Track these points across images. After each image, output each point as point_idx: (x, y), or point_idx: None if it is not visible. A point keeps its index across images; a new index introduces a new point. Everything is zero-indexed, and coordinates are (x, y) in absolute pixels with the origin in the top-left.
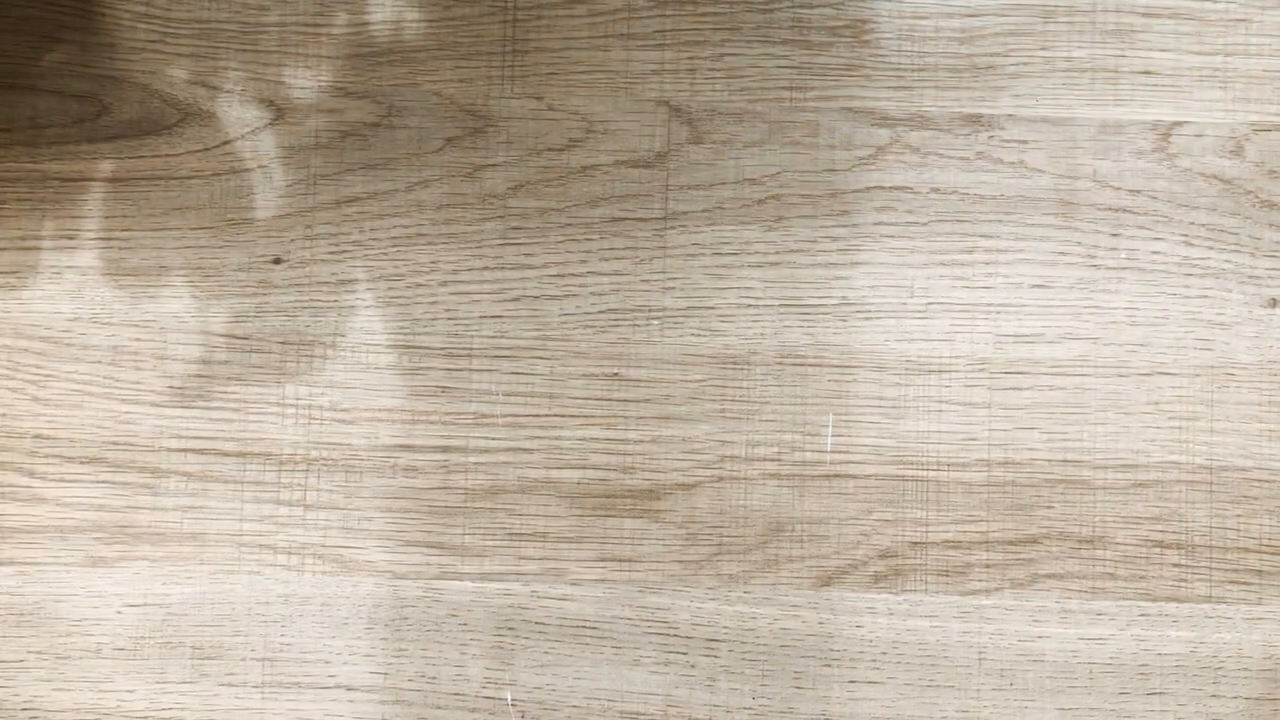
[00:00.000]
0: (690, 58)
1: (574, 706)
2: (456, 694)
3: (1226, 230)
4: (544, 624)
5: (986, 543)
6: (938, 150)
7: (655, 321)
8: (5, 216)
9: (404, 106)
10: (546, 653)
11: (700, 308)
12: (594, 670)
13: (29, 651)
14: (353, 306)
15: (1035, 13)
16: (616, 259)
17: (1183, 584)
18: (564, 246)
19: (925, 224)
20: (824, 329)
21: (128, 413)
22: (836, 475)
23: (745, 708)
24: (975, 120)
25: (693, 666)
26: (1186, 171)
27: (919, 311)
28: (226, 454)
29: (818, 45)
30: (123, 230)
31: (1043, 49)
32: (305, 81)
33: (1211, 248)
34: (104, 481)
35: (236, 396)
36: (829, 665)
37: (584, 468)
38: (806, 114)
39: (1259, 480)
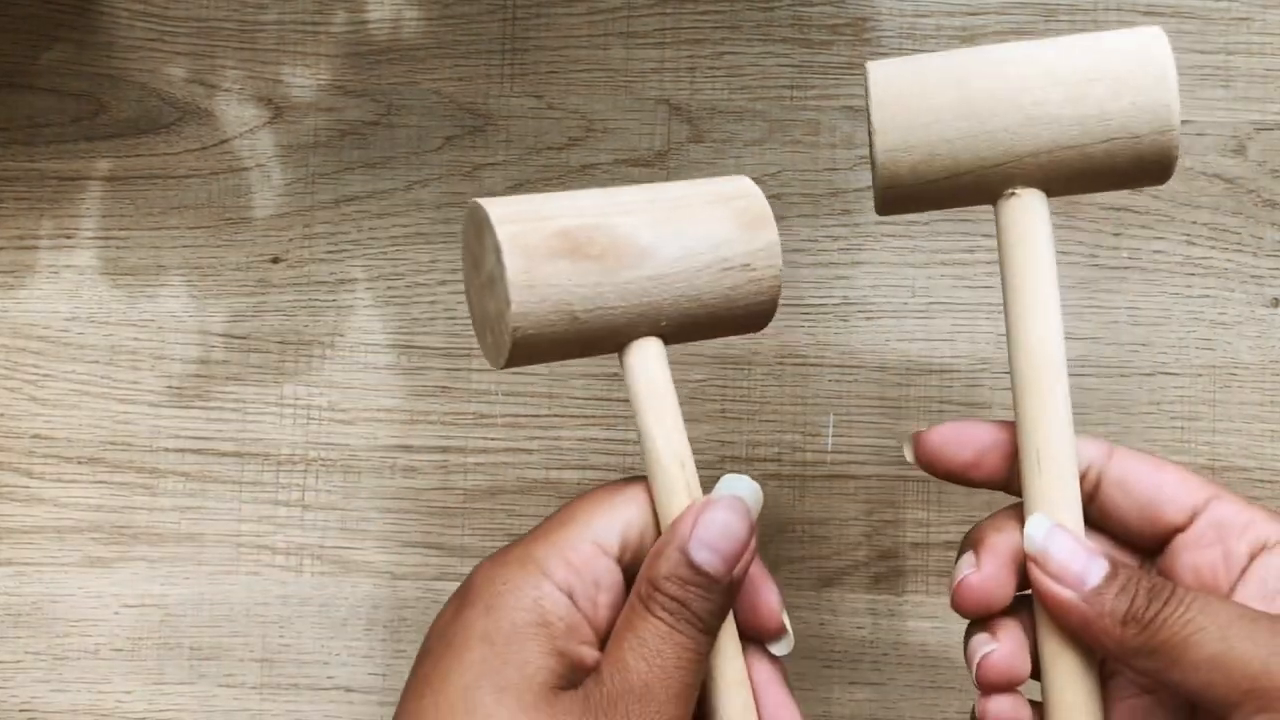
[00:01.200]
0: (690, 56)
1: None
2: None
3: (1229, 230)
4: None
5: None
6: None
7: None
8: (3, 216)
9: (403, 105)
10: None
11: None
12: None
13: (26, 652)
14: (351, 306)
15: (1037, 11)
16: None
17: None
18: None
19: (926, 223)
20: (825, 329)
21: (125, 413)
22: (837, 475)
23: None
24: None
25: None
26: (1188, 171)
27: (920, 311)
28: (224, 454)
29: (818, 44)
30: (120, 229)
31: None
32: (304, 80)
33: (1214, 247)
34: (102, 482)
35: (234, 396)
36: (829, 666)
37: (584, 468)
38: (807, 112)
39: (1261, 480)
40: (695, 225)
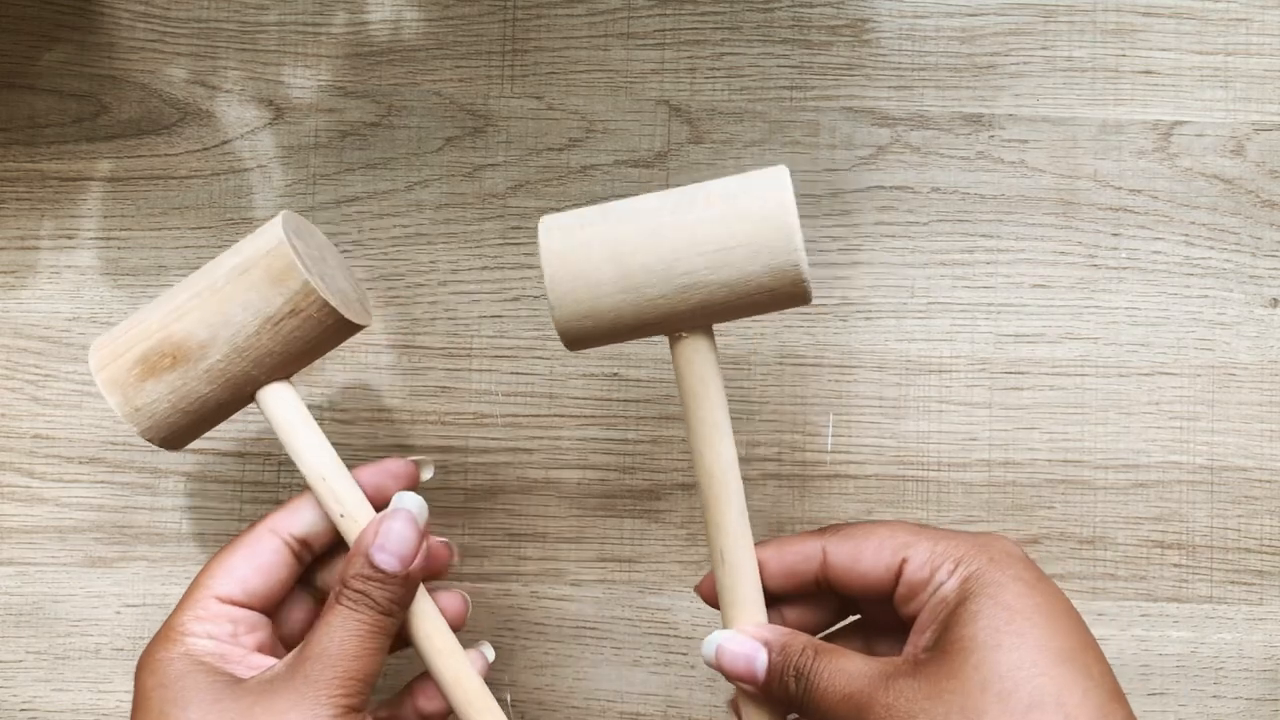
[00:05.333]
0: (690, 57)
1: (574, 707)
2: None
3: (1227, 230)
4: (544, 624)
5: None
6: (938, 150)
7: None
8: (4, 216)
9: (403, 106)
10: (546, 653)
11: None
12: (594, 670)
13: (27, 651)
14: None
15: (1036, 12)
16: None
17: (1183, 584)
18: None
19: (926, 224)
20: (824, 329)
21: None
22: (836, 475)
23: None
24: (976, 120)
25: (693, 667)
26: (1187, 171)
27: (920, 311)
28: (225, 454)
29: (818, 44)
30: (121, 230)
31: (1043, 48)
32: (304, 81)
33: (1212, 247)
34: (103, 482)
35: None
36: None
37: (584, 468)
38: (807, 113)
39: (1260, 480)
40: (233, 304)
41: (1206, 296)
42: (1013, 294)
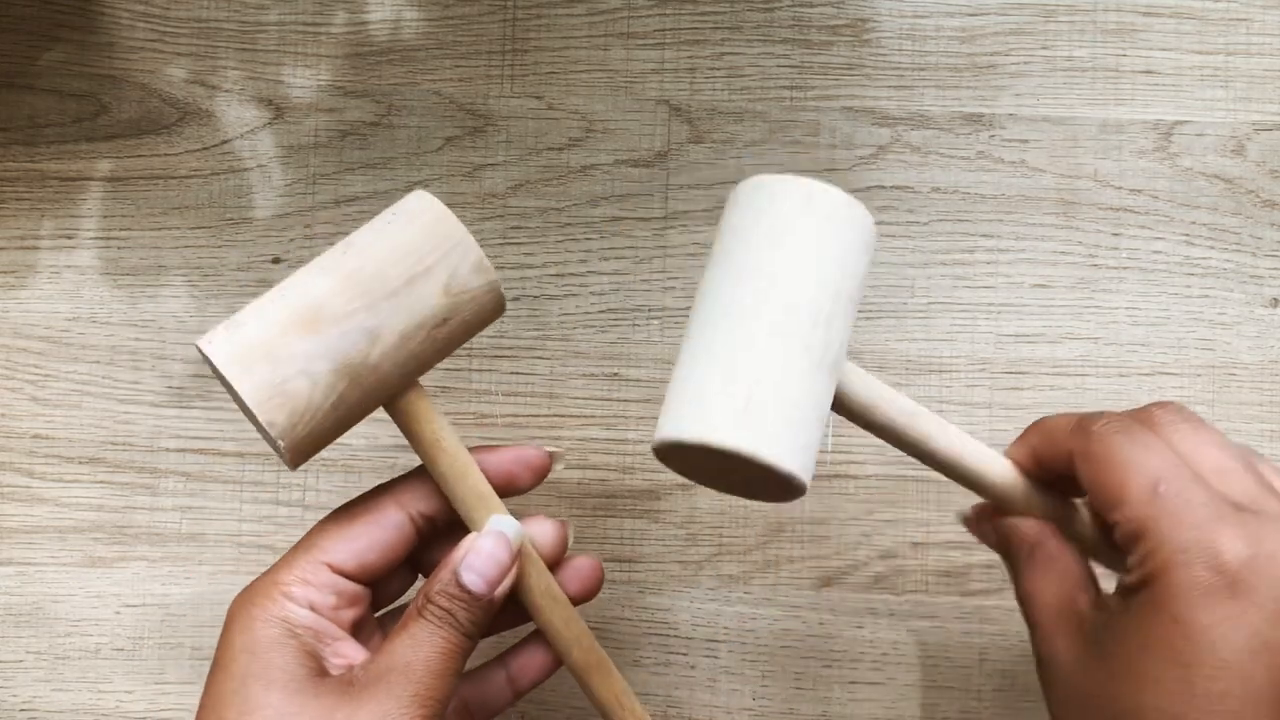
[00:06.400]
0: (690, 57)
1: (574, 707)
2: None
3: (1228, 230)
4: None
5: None
6: (938, 150)
7: (655, 321)
8: (4, 216)
9: (403, 106)
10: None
11: None
12: None
13: (27, 652)
14: None
15: (1036, 12)
16: (616, 259)
17: None
18: (564, 246)
19: (926, 223)
20: None
21: (126, 413)
22: (836, 475)
23: (745, 708)
24: (976, 119)
25: (693, 667)
26: (1188, 171)
27: (920, 311)
28: (225, 454)
29: (818, 44)
30: (121, 230)
31: (1044, 48)
32: (304, 81)
33: (1213, 247)
34: (102, 482)
35: None
36: (829, 666)
37: (584, 468)
38: (807, 113)
39: None
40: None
41: (1207, 296)
42: (1013, 294)
